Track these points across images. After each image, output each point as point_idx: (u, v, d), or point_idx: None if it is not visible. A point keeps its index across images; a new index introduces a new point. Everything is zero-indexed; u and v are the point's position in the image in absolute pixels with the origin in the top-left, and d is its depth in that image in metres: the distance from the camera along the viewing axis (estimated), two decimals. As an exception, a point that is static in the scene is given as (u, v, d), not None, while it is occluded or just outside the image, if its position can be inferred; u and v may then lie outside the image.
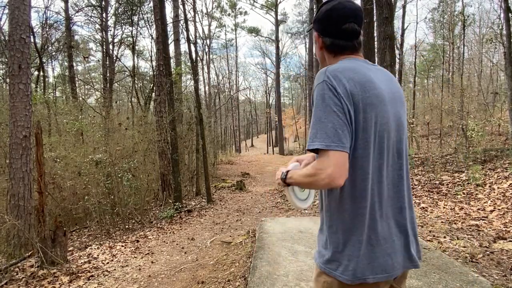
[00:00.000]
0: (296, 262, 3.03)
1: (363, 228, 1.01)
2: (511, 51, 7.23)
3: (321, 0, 9.53)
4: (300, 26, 33.31)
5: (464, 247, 3.46)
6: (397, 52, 13.17)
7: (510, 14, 7.38)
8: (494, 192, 5.15)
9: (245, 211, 7.53)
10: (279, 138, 29.83)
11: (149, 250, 4.95)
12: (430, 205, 5.36)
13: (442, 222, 4.48)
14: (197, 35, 22.12)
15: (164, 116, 8.93)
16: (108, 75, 13.92)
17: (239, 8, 34.84)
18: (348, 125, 0.96)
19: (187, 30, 10.31)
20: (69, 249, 4.93)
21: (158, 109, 9.26)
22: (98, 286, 3.67)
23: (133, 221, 6.96)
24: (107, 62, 14.51)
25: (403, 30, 15.54)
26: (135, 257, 4.66)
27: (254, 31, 35.99)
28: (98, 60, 20.15)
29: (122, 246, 5.26)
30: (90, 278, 3.92)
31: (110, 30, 15.14)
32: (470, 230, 4.11)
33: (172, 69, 10.10)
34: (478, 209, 4.81)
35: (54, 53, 15.95)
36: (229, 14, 34.47)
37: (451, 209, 5.02)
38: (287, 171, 1.16)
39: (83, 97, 19.71)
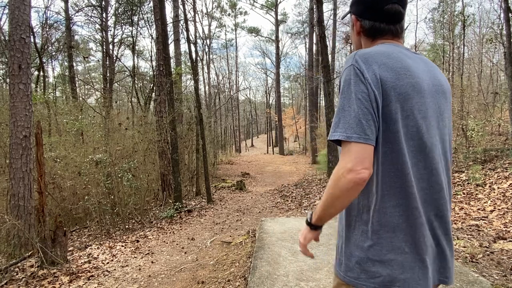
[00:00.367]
0: (296, 262, 3.03)
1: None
2: (511, 51, 7.23)
3: (321, 0, 9.53)
4: (300, 26, 33.27)
5: (464, 247, 3.46)
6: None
7: (510, 14, 7.38)
8: (494, 192, 5.15)
9: (245, 211, 7.53)
10: (279, 138, 29.84)
11: (149, 250, 4.95)
12: (430, 205, 5.35)
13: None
14: (197, 35, 22.12)
15: (164, 116, 8.93)
16: (108, 75, 13.91)
17: (239, 8, 34.89)
18: (374, 114, 0.86)
19: (187, 30, 10.31)
20: (69, 249, 4.93)
21: (158, 109, 9.26)
22: (98, 286, 3.67)
23: (133, 221, 6.96)
24: (107, 62, 14.50)
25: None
26: (135, 257, 4.66)
27: (254, 31, 36.03)
28: (98, 60, 20.15)
29: (122, 246, 5.26)
30: (90, 278, 3.92)
31: (110, 30, 15.14)
32: (470, 230, 4.11)
33: (172, 69, 10.10)
34: (478, 209, 4.81)
35: (54, 53, 15.94)
36: (229, 14, 34.50)
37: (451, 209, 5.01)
38: (311, 213, 1.01)
39: (83, 97, 19.71)
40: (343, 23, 19.11)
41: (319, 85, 18.69)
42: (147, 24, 15.17)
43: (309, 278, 2.65)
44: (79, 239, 6.09)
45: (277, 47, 28.69)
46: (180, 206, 7.54)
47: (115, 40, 15.47)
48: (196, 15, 22.84)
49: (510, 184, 5.20)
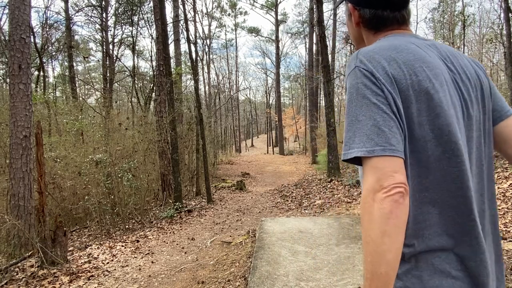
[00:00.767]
0: (296, 262, 3.03)
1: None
2: (511, 51, 7.23)
3: (321, 0, 9.54)
4: (300, 26, 33.29)
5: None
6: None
7: (510, 14, 7.39)
8: (494, 192, 5.15)
9: (245, 211, 7.54)
10: (279, 138, 29.85)
11: (149, 250, 4.95)
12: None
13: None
14: (197, 35, 22.13)
15: (164, 116, 8.94)
16: (108, 75, 13.93)
17: (239, 8, 34.91)
18: (396, 119, 0.69)
19: (187, 30, 10.31)
20: (69, 249, 4.93)
21: (158, 109, 9.27)
22: (98, 286, 3.68)
23: (133, 221, 6.97)
24: (107, 62, 14.52)
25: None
26: (135, 257, 4.66)
27: (254, 31, 36.05)
28: (98, 60, 20.18)
29: (122, 246, 5.27)
30: (90, 278, 3.92)
31: (110, 30, 15.16)
32: (470, 230, 4.10)
33: (172, 69, 10.11)
34: (478, 209, 4.81)
35: (54, 53, 15.97)
36: (229, 14, 34.53)
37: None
38: None
39: (83, 97, 19.72)
40: (343, 23, 19.10)
41: (319, 85, 18.69)
42: (147, 24, 15.21)
43: (309, 278, 2.65)
44: (79, 239, 6.09)
45: (277, 47, 28.71)
46: (180, 206, 7.55)
47: (115, 40, 15.51)
48: (196, 15, 22.86)
49: (510, 184, 5.20)
